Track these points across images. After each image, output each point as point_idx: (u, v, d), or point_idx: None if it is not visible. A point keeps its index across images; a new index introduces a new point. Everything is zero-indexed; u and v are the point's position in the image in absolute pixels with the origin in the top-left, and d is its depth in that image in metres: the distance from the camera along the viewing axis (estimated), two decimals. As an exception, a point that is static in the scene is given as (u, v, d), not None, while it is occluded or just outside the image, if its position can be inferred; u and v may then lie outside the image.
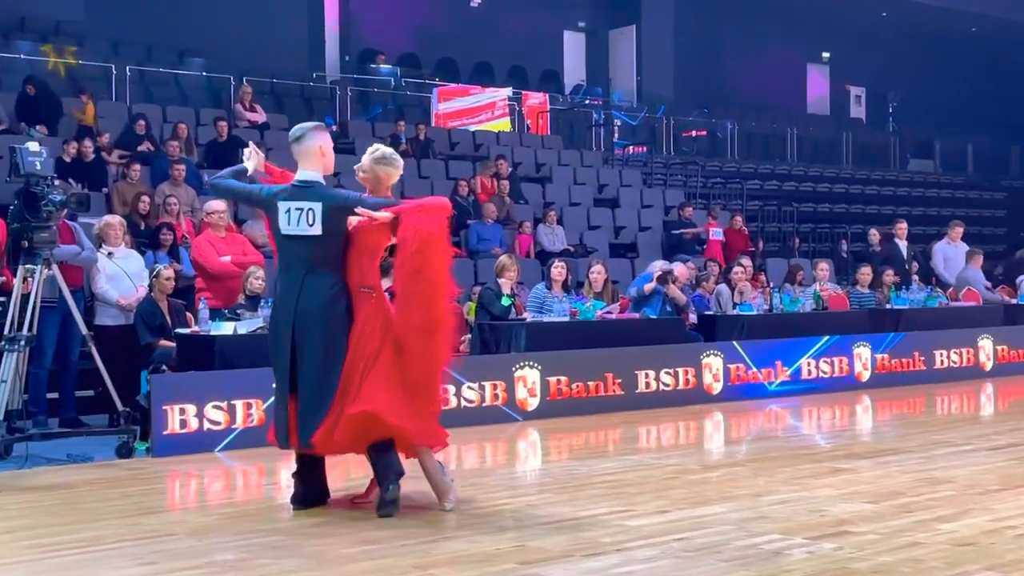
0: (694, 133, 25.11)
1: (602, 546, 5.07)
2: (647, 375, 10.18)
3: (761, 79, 28.02)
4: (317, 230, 5.69)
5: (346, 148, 14.51)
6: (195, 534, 5.42)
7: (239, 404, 7.94)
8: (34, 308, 7.37)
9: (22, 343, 7.26)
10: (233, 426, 7.92)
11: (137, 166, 12.53)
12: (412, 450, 5.83)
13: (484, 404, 9.21)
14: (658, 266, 11.61)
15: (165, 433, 7.67)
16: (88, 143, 12.89)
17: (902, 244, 15.09)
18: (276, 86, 19.43)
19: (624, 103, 25.35)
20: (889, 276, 13.46)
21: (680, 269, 11.94)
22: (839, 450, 7.92)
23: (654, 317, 10.97)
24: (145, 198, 11.67)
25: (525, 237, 14.74)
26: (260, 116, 16.49)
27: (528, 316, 10.41)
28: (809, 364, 11.30)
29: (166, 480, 7.14)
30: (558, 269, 10.80)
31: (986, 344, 12.91)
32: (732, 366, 10.73)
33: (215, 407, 7.86)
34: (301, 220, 5.70)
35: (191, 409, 7.76)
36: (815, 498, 6.10)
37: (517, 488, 6.73)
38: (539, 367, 9.54)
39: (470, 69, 24.12)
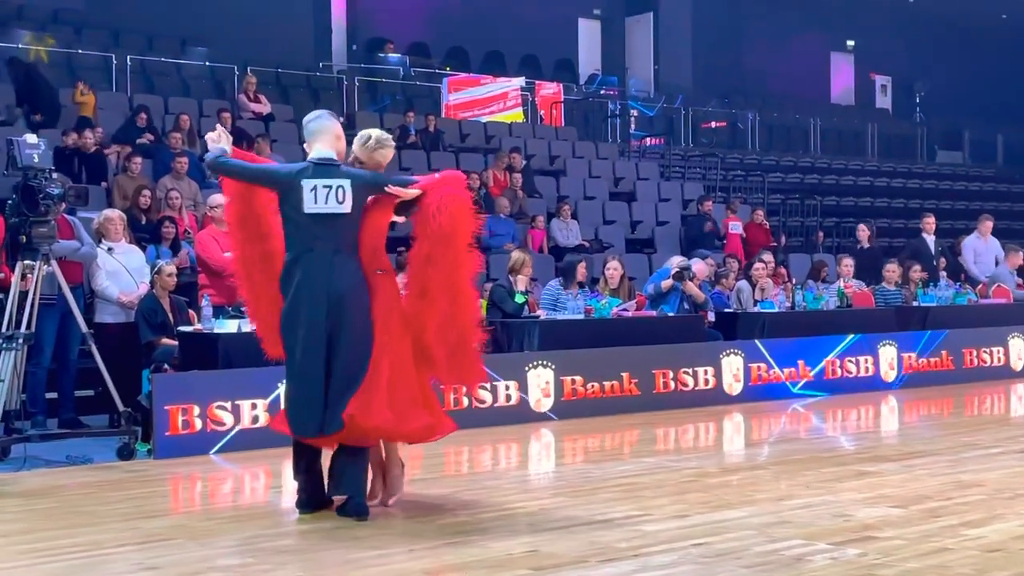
0: (713, 124, 24.98)
1: (618, 551, 5.01)
2: (665, 375, 10.07)
3: (783, 68, 27.77)
4: (347, 207, 5.66)
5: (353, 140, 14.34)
6: (198, 539, 5.36)
7: (244, 404, 7.87)
8: (32, 305, 7.34)
9: (20, 341, 7.23)
10: (236, 427, 7.83)
11: (138, 159, 12.44)
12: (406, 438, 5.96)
13: (496, 404, 9.13)
14: (676, 262, 11.50)
15: (167, 434, 7.62)
16: (88, 134, 12.80)
17: (930, 239, 14.89)
18: (281, 76, 19.22)
19: (641, 93, 25.14)
20: (916, 272, 13.23)
21: (699, 265, 11.81)
22: (864, 452, 7.91)
23: (672, 315, 10.87)
24: (146, 192, 11.58)
25: (538, 232, 14.60)
26: (265, 107, 16.37)
27: (542, 314, 10.34)
28: (833, 364, 11.17)
29: (168, 483, 7.12)
30: (582, 269, 10.72)
31: (1017, 343, 12.70)
32: (753, 365, 10.61)
33: (219, 407, 7.80)
34: (330, 197, 5.64)
35: (194, 410, 7.70)
36: (839, 502, 6.02)
37: (530, 491, 6.69)
38: (553, 366, 9.45)
39: (481, 58, 23.89)
